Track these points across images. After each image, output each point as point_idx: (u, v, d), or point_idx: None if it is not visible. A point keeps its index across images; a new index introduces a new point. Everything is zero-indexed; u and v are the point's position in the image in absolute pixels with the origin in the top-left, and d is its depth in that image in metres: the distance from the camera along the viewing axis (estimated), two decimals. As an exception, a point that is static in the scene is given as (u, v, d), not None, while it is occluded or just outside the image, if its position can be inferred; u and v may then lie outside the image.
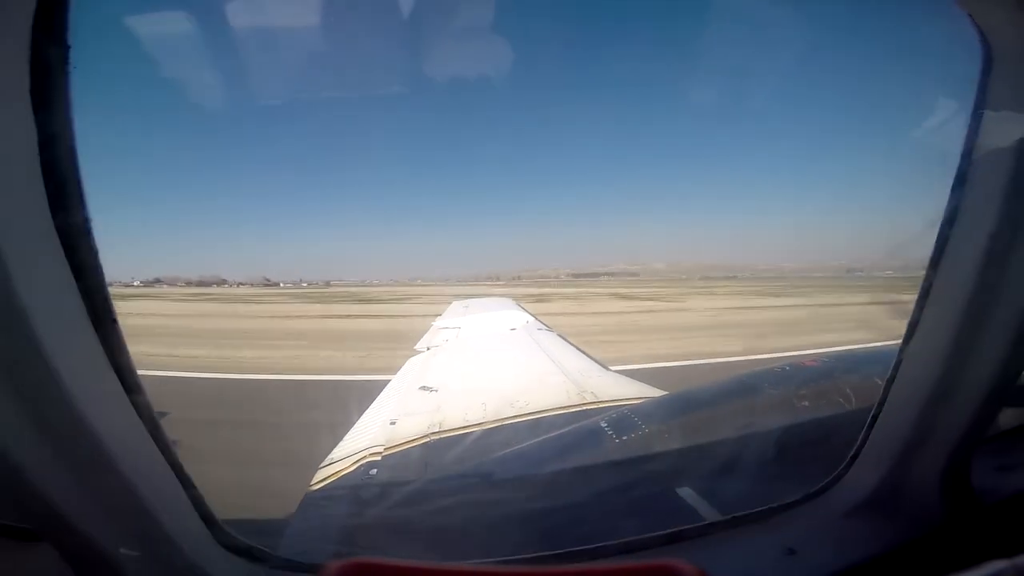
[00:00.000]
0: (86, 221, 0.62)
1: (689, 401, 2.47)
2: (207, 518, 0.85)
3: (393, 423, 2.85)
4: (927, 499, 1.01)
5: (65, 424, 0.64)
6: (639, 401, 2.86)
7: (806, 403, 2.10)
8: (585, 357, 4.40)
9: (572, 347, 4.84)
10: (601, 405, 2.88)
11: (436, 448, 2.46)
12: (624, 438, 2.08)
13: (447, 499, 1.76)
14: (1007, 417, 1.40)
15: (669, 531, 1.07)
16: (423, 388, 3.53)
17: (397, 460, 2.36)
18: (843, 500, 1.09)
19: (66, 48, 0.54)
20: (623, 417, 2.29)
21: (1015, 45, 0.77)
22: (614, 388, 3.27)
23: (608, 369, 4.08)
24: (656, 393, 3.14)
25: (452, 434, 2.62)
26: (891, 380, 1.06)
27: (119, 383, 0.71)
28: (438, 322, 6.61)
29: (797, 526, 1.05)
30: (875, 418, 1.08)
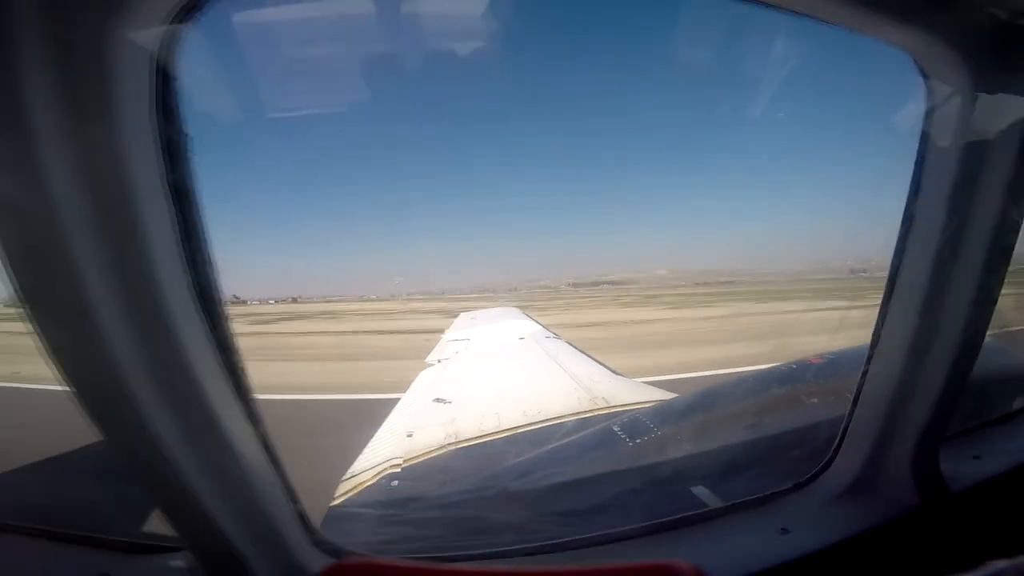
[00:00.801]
0: (211, 260, 0.79)
1: (699, 403, 2.53)
2: (305, 523, 1.00)
3: (410, 435, 2.92)
4: (901, 485, 1.15)
5: (217, 452, 0.81)
6: (649, 405, 2.91)
7: (815, 400, 2.16)
8: (594, 363, 4.45)
9: (581, 354, 4.90)
10: (613, 410, 2.94)
11: (454, 458, 2.53)
12: (637, 441, 2.14)
13: (470, 504, 1.82)
14: (983, 411, 1.51)
15: (679, 517, 1.18)
16: (437, 400, 3.60)
17: (417, 471, 2.42)
18: (829, 486, 1.23)
19: (186, 137, 0.71)
20: (635, 421, 2.35)
21: (945, 80, 0.94)
22: (625, 393, 3.33)
23: (617, 374, 4.14)
24: (665, 396, 3.19)
25: (469, 444, 2.69)
26: (862, 379, 1.19)
27: (243, 409, 0.86)
28: (447, 335, 6.68)
29: (790, 510, 1.19)
30: (851, 414, 1.21)
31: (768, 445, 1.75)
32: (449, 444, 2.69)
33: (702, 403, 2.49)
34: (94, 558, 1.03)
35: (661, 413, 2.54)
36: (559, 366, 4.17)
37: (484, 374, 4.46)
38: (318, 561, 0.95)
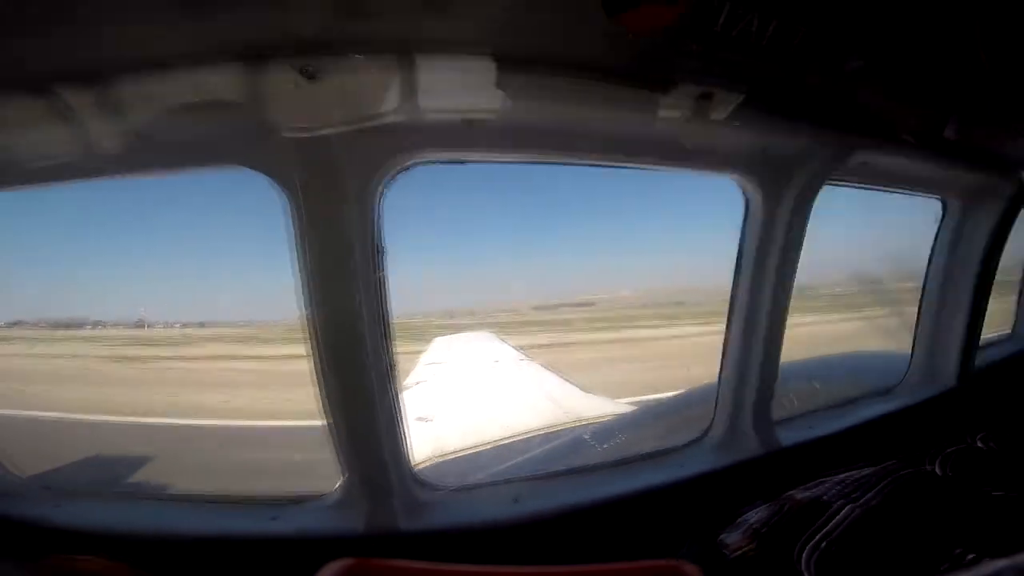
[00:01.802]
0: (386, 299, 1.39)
1: (656, 412, 2.92)
2: (411, 464, 1.53)
3: None
4: (750, 440, 1.86)
5: (390, 422, 1.41)
6: (613, 417, 3.28)
7: None
8: (565, 382, 4.81)
9: (552, 374, 5.24)
10: (582, 423, 3.28)
11: (440, 469, 2.77)
12: (604, 446, 2.48)
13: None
14: (818, 398, 2.34)
15: (623, 457, 1.86)
16: (419, 419, 3.82)
17: None
18: (711, 440, 1.92)
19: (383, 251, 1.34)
20: (603, 430, 2.70)
21: (755, 197, 1.68)
22: (592, 407, 3.69)
23: (586, 392, 4.50)
24: (626, 409, 3.58)
25: (453, 457, 2.94)
26: (719, 372, 1.87)
27: (395, 394, 1.45)
28: (424, 358, 6.88)
29: (685, 455, 1.90)
30: (717, 398, 1.90)
31: (683, 425, 2.29)
32: (435, 457, 2.93)
33: (656, 412, 2.88)
34: (263, 510, 1.51)
35: (625, 422, 2.91)
36: (532, 385, 4.50)
37: (463, 394, 4.72)
38: (417, 489, 1.52)
